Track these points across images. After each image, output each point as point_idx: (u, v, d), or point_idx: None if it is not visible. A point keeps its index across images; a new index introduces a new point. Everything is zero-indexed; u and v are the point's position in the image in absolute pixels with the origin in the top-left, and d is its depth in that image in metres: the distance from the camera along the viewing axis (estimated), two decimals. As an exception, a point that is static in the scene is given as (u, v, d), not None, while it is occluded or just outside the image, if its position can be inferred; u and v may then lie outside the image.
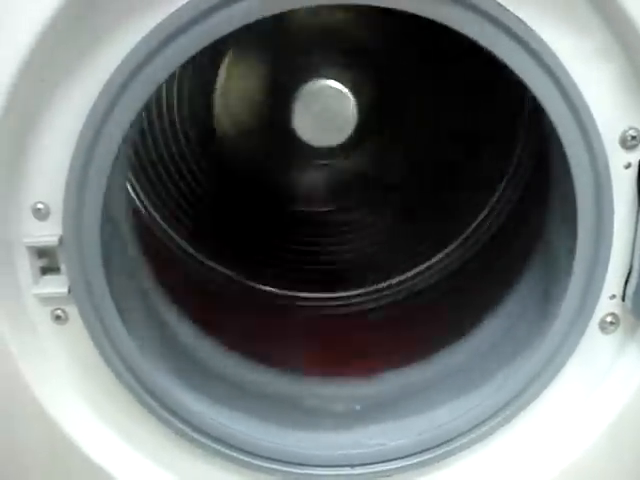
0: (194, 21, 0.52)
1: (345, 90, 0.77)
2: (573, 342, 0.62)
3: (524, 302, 0.69)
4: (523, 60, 0.54)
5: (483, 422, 0.65)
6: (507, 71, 0.54)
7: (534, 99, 0.55)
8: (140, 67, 0.53)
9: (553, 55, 0.54)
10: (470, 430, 0.65)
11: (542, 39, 0.54)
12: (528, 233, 0.71)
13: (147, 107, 0.83)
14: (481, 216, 0.87)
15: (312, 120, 0.77)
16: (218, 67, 0.87)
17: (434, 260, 0.90)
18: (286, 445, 0.66)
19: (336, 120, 0.77)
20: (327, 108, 0.77)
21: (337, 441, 0.68)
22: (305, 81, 0.77)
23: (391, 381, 0.73)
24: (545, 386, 0.64)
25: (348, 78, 0.79)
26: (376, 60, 0.85)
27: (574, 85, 0.54)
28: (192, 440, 0.64)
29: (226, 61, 0.87)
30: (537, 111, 0.56)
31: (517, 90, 0.69)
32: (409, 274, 0.90)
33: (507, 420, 0.65)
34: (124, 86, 0.54)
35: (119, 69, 0.54)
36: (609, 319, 0.62)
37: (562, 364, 0.63)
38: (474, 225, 0.88)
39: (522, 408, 0.64)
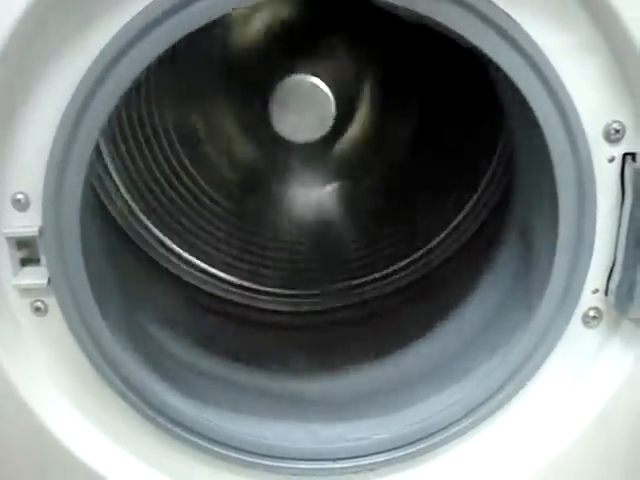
0: (177, 8, 0.52)
1: (322, 84, 0.76)
2: (555, 336, 0.62)
3: (505, 295, 0.69)
4: (507, 53, 0.54)
5: (466, 416, 0.65)
6: (490, 64, 0.54)
7: (517, 92, 0.55)
8: (120, 56, 0.53)
9: (538, 49, 0.54)
10: (453, 424, 0.65)
11: (527, 32, 0.54)
12: (509, 224, 0.70)
13: (126, 100, 0.82)
14: (463, 211, 0.87)
15: (290, 116, 0.76)
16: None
17: (415, 256, 0.89)
18: (267, 438, 0.66)
19: (314, 115, 0.77)
20: (305, 103, 0.76)
21: (319, 434, 0.68)
22: (282, 77, 0.76)
23: (373, 375, 0.73)
24: (527, 380, 0.63)
25: (326, 72, 0.78)
26: (354, 53, 0.84)
27: (558, 79, 0.54)
28: (173, 434, 0.64)
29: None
30: (520, 105, 0.56)
31: (501, 84, 0.69)
32: (392, 268, 0.90)
33: (490, 413, 0.65)
34: (104, 75, 0.53)
35: (98, 59, 0.53)
36: (592, 313, 0.62)
37: (544, 358, 0.63)
38: (456, 220, 0.87)
39: (505, 402, 0.64)
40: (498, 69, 0.54)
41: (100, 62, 0.53)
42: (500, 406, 0.64)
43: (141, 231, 0.86)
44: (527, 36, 0.53)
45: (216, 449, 0.65)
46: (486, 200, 0.85)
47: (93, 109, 0.54)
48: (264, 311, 0.89)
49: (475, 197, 0.86)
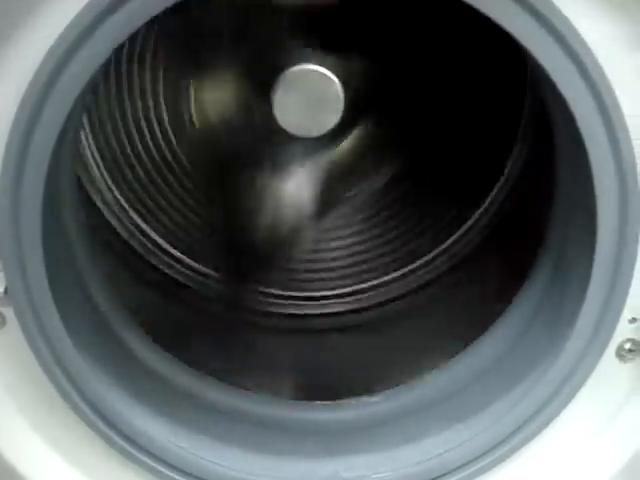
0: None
1: (330, 74, 0.69)
2: (585, 370, 0.54)
3: (529, 319, 0.61)
4: (545, 44, 0.46)
5: (479, 457, 0.57)
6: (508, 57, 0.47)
7: (539, 86, 0.48)
8: (88, 33, 0.45)
9: (579, 39, 0.46)
10: (464, 465, 0.57)
11: (566, 17, 0.46)
12: (537, 238, 0.62)
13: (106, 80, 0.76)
14: (480, 210, 0.80)
15: (295, 109, 0.69)
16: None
17: (425, 259, 0.82)
18: (254, 474, 0.58)
19: (321, 107, 0.70)
20: (311, 94, 0.69)
21: (313, 471, 0.60)
22: (287, 66, 0.70)
23: (376, 405, 0.65)
24: (550, 420, 0.55)
25: (333, 62, 0.71)
26: (363, 41, 0.78)
27: (602, 74, 0.47)
28: (142, 464, 0.56)
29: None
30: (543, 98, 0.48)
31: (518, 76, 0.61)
32: (399, 273, 0.83)
33: (506, 456, 0.57)
34: (71, 53, 0.46)
35: (65, 33, 0.46)
36: (628, 346, 0.54)
37: (572, 395, 0.55)
38: (470, 221, 0.80)
39: (524, 443, 0.56)
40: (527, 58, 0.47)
41: (67, 38, 0.46)
42: (517, 449, 0.56)
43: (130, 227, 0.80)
44: (567, 22, 0.46)
45: (189, 482, 0.57)
46: (505, 198, 0.78)
47: (58, 92, 0.46)
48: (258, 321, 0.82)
49: (493, 194, 0.78)
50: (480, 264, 0.80)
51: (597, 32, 0.47)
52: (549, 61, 0.46)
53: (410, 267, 0.83)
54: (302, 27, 0.76)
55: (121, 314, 0.61)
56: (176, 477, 0.57)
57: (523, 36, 0.46)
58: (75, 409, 0.55)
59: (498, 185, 0.80)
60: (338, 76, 0.68)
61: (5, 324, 0.54)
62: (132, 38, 0.49)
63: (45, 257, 0.50)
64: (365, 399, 0.65)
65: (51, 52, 0.46)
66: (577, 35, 0.46)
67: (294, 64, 0.69)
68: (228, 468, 0.58)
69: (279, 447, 0.62)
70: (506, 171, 0.80)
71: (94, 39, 0.45)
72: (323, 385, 0.70)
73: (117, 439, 0.55)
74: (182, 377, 0.63)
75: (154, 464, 0.56)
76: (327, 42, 0.74)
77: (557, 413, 0.55)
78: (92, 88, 0.51)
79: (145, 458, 0.56)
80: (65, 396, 0.54)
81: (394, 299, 0.82)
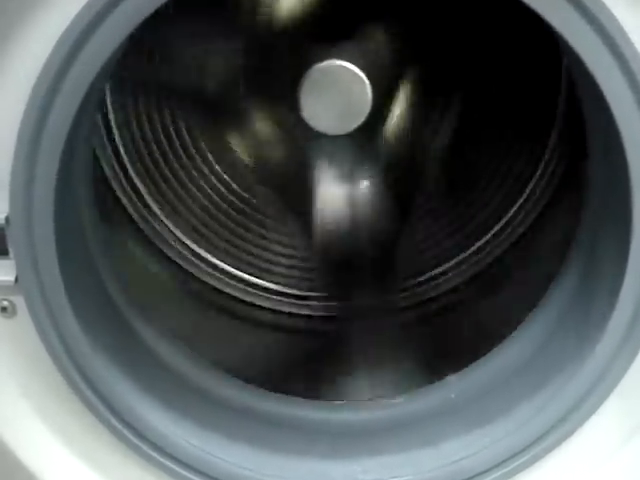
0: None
1: (359, 72, 0.68)
2: (616, 375, 0.51)
3: (557, 322, 0.58)
4: (581, 29, 0.43)
5: (499, 464, 0.54)
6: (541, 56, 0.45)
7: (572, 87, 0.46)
8: (104, 14, 0.44)
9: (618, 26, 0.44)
10: (483, 472, 0.55)
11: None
12: (567, 233, 0.60)
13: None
14: (511, 211, 0.78)
15: (321, 105, 0.68)
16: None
17: (451, 264, 0.80)
18: (265, 473, 0.57)
19: (348, 104, 0.68)
20: (338, 91, 0.68)
21: (326, 472, 0.58)
22: (314, 62, 0.68)
23: (396, 406, 0.63)
24: (576, 428, 0.53)
25: (362, 59, 0.70)
26: (393, 39, 0.76)
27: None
28: (152, 461, 0.55)
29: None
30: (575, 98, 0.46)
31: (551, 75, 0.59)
32: (424, 277, 0.81)
33: (527, 465, 0.54)
34: (86, 34, 0.45)
35: (80, 16, 0.45)
36: (663, 348, 0.51)
37: (600, 401, 0.52)
38: (501, 223, 0.78)
39: (547, 452, 0.54)
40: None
41: (82, 20, 0.45)
42: (539, 458, 0.54)
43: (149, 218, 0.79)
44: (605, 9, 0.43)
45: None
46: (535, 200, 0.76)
47: (73, 74, 0.46)
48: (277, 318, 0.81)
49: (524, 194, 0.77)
50: (506, 268, 0.78)
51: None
52: (585, 48, 0.44)
53: (434, 272, 0.82)
54: (327, 22, 0.75)
55: (134, 306, 0.60)
56: (184, 473, 0.56)
57: (559, 22, 0.43)
58: (84, 400, 0.54)
59: (529, 186, 0.78)
60: (367, 73, 0.67)
61: (15, 313, 0.53)
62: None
63: (57, 245, 0.50)
64: (387, 400, 0.63)
65: (64, 37, 0.45)
66: (618, 25, 0.44)
67: (322, 59, 0.68)
68: (238, 466, 0.57)
69: (292, 446, 0.60)
70: (538, 173, 0.78)
71: (113, 15, 0.44)
72: (343, 385, 0.69)
73: (125, 432, 0.55)
74: (194, 372, 0.62)
75: (162, 459, 0.55)
76: (353, 38, 0.73)
77: (583, 421, 0.53)
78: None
79: (153, 453, 0.55)
80: (74, 387, 0.54)
81: (417, 304, 0.81)
